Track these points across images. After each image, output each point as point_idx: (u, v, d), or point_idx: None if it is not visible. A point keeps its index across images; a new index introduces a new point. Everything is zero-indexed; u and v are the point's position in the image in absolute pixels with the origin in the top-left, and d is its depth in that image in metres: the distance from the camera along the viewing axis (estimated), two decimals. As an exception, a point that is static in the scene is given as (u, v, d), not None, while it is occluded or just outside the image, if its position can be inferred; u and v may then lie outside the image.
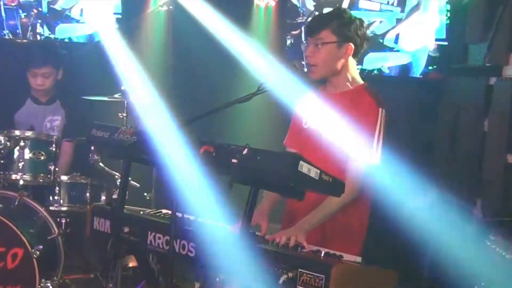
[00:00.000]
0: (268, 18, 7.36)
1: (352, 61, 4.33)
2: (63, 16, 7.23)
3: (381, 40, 6.82)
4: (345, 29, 4.21)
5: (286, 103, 4.67)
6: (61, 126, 6.53)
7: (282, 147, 4.56)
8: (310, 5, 6.87)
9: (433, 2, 6.61)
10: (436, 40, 6.69)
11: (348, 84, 4.30)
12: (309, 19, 6.54)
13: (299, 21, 6.84)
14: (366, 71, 6.81)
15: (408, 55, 6.81)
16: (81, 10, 7.23)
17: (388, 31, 6.79)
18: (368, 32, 6.69)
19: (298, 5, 6.88)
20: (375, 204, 4.37)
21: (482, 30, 5.68)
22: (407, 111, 7.08)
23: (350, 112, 4.17)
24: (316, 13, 6.55)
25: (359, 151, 4.15)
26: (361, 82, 4.35)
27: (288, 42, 6.95)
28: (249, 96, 3.59)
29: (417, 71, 6.79)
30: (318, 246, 3.75)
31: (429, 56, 6.73)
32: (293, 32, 6.87)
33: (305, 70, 4.37)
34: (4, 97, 6.63)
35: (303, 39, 6.76)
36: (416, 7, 6.71)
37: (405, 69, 6.82)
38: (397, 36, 6.79)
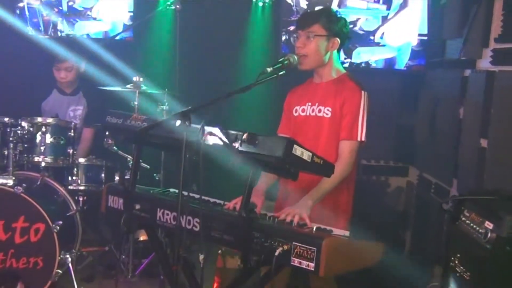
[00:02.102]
0: (265, 16, 7.36)
1: (336, 54, 4.38)
2: (82, 14, 7.22)
3: (372, 37, 6.80)
4: (333, 25, 4.26)
5: (280, 93, 4.70)
6: (83, 115, 6.55)
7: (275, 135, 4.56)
8: (303, 4, 6.86)
9: (418, 1, 6.62)
10: (419, 35, 6.69)
11: (333, 74, 4.36)
12: (301, 15, 6.55)
13: (293, 18, 6.83)
14: (355, 64, 6.80)
15: (393, 50, 6.80)
16: (96, 9, 7.23)
17: (378, 28, 6.78)
18: (357, 28, 6.76)
19: (292, 4, 6.87)
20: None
21: (458, 27, 5.67)
22: (391, 100, 7.08)
23: (336, 97, 4.26)
24: (309, 11, 6.54)
25: (348, 130, 4.18)
26: (344, 71, 4.42)
27: (284, 38, 6.94)
28: (249, 87, 3.59)
29: (401, 64, 6.78)
30: (311, 221, 3.77)
31: (412, 50, 6.73)
32: (289, 28, 6.86)
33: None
34: (32, 88, 6.63)
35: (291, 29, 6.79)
36: (404, 4, 6.70)
37: (391, 62, 6.81)
38: (383, 32, 6.79)
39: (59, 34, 7.17)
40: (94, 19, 7.24)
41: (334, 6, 6.71)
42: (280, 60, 3.89)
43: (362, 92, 4.23)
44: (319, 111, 4.30)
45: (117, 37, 7.16)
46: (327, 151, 4.15)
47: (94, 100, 6.53)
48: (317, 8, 6.02)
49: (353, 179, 4.45)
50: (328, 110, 4.26)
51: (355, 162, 4.31)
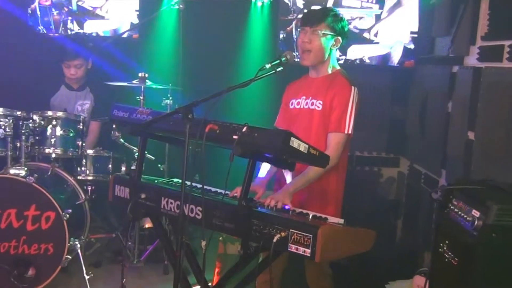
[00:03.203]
0: (264, 15, 7.36)
1: (334, 52, 4.39)
2: (91, 13, 7.21)
3: (367, 35, 6.79)
4: (337, 24, 4.31)
5: (278, 88, 4.71)
6: (90, 109, 6.53)
7: (273, 127, 4.58)
8: (300, 3, 6.84)
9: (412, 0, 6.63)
10: (411, 33, 6.68)
11: (328, 70, 4.37)
12: (300, 15, 6.52)
13: (290, 18, 6.82)
14: (350, 61, 6.79)
15: (387, 47, 6.78)
16: (105, 8, 7.22)
17: (372, 26, 6.76)
18: (351, 27, 6.74)
19: (289, 4, 6.86)
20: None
21: (446, 25, 5.67)
22: (384, 94, 7.07)
23: (327, 91, 4.28)
24: (305, 10, 6.53)
25: (336, 123, 4.19)
26: (338, 67, 4.43)
27: (281, 36, 6.93)
28: (248, 82, 3.58)
29: (394, 61, 6.77)
30: (298, 206, 3.81)
31: (405, 47, 6.72)
32: (288, 29, 6.85)
33: (296, 60, 4.38)
34: (42, 84, 6.61)
35: (293, 33, 6.75)
36: (398, 4, 6.69)
37: (384, 59, 6.80)
38: (377, 31, 6.78)
39: (69, 32, 7.17)
40: (103, 18, 7.23)
41: (330, 5, 6.69)
42: (278, 56, 3.89)
43: (352, 87, 4.25)
44: (312, 104, 4.33)
45: (124, 35, 7.15)
46: (318, 142, 4.18)
47: (100, 94, 6.51)
48: (313, 8, 6.01)
49: (344, 169, 4.47)
50: (319, 103, 4.29)
51: (343, 153, 4.34)
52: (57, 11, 7.17)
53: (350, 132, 4.21)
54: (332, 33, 4.27)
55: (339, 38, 4.32)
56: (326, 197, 4.36)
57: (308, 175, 4.11)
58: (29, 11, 7.11)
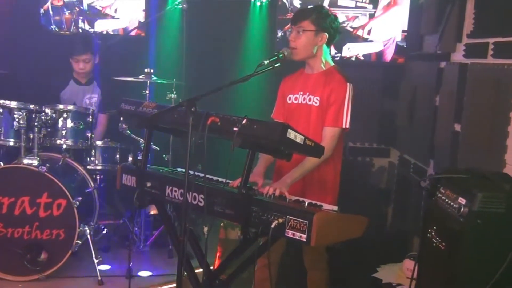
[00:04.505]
0: (262, 14, 7.35)
1: (325, 48, 4.38)
2: (101, 14, 7.21)
3: (359, 33, 6.78)
4: (322, 21, 4.26)
5: (276, 82, 4.71)
6: (97, 102, 6.52)
7: (270, 119, 4.58)
8: (297, 3, 6.83)
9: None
10: (403, 31, 6.67)
11: (322, 66, 4.36)
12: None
13: (287, 16, 6.81)
14: (345, 58, 6.78)
15: (380, 45, 6.77)
16: (114, 8, 7.22)
17: (366, 24, 6.75)
18: (347, 25, 6.73)
19: (287, 4, 6.85)
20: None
21: (434, 24, 5.65)
22: (376, 89, 7.07)
23: (324, 87, 4.26)
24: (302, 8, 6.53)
25: (333, 118, 4.19)
26: (332, 64, 4.42)
27: (279, 34, 6.92)
28: (248, 77, 3.58)
29: (387, 57, 6.75)
30: (299, 196, 3.80)
31: (397, 45, 6.70)
32: (286, 27, 6.84)
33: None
34: (52, 79, 6.61)
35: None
36: (392, 3, 6.67)
37: (377, 56, 6.78)
38: (370, 29, 6.76)
39: (80, 31, 7.17)
40: (113, 17, 7.22)
41: (326, 5, 6.67)
42: (276, 53, 3.89)
43: (348, 84, 4.24)
44: (309, 99, 4.32)
45: (132, 33, 7.15)
46: (316, 135, 4.17)
47: (108, 89, 6.50)
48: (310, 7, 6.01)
49: (339, 161, 4.47)
50: (317, 99, 4.28)
51: (339, 146, 4.35)
52: (69, 11, 7.18)
53: (347, 126, 4.22)
54: (314, 30, 4.24)
55: (325, 34, 4.27)
56: (325, 188, 4.38)
57: (305, 166, 4.12)
58: (42, 11, 7.11)
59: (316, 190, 4.33)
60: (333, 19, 4.34)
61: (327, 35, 4.28)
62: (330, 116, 4.22)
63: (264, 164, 4.36)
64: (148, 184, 3.91)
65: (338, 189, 4.46)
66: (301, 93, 4.39)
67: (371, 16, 6.76)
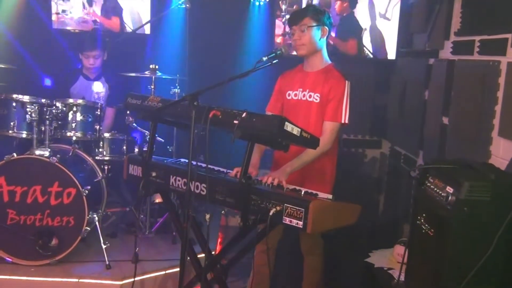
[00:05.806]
0: (261, 13, 7.34)
1: (325, 44, 4.38)
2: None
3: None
4: (320, 16, 4.32)
5: (274, 78, 4.71)
6: (105, 97, 6.51)
7: (265, 111, 4.59)
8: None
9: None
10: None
11: (320, 64, 4.35)
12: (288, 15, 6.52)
13: (284, 15, 6.81)
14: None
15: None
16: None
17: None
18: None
19: (285, 4, 6.86)
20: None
21: (423, 22, 5.65)
22: (368, 83, 7.05)
23: (323, 84, 4.26)
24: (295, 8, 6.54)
25: (332, 113, 4.20)
26: (329, 62, 4.41)
27: (277, 32, 6.91)
28: (247, 73, 3.58)
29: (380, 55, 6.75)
30: (298, 186, 3.80)
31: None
32: (283, 27, 6.83)
33: (293, 53, 4.40)
34: (63, 75, 6.61)
35: (287, 30, 6.74)
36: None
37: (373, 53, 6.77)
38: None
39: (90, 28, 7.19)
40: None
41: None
42: (274, 50, 3.89)
43: (346, 81, 4.27)
44: (310, 96, 4.33)
45: (138, 31, 7.15)
46: (316, 130, 4.19)
47: (115, 84, 6.50)
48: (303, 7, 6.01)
49: (335, 154, 4.49)
50: (317, 96, 4.29)
51: (335, 140, 4.35)
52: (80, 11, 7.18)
53: (346, 121, 4.24)
54: (317, 24, 4.27)
55: (326, 28, 4.32)
56: (323, 178, 4.41)
57: (303, 158, 4.14)
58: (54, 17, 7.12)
59: (315, 180, 4.34)
60: (327, 14, 4.40)
61: (327, 28, 4.32)
62: (330, 111, 4.23)
63: (258, 156, 4.38)
64: (153, 174, 3.92)
65: (334, 180, 4.48)
66: (301, 89, 4.39)
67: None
